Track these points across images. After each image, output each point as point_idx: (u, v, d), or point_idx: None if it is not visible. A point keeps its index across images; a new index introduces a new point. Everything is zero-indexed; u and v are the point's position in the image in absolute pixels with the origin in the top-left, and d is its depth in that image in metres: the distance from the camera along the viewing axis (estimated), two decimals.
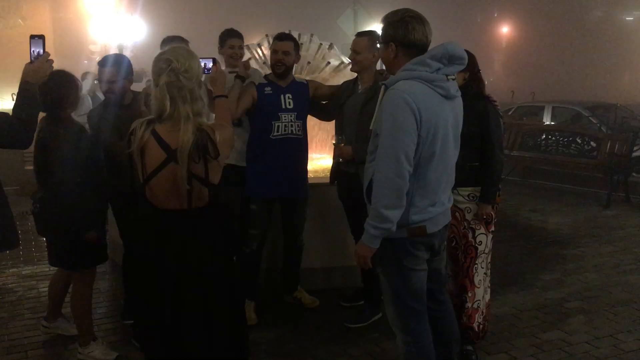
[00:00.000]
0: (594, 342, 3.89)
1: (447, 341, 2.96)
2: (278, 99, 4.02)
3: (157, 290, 2.56)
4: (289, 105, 4.02)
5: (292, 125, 4.03)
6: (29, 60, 2.90)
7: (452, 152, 2.71)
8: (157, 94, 2.46)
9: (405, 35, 2.56)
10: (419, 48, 2.58)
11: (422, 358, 2.78)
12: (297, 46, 4.11)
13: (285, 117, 4.01)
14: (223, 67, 4.47)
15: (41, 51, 2.89)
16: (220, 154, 2.48)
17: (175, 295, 2.53)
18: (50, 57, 2.94)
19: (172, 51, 2.51)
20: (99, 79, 3.90)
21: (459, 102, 2.71)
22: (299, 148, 4.14)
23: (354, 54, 3.87)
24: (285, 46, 3.99)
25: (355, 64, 3.90)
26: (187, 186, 2.44)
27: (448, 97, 2.59)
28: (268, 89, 4.04)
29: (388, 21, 2.61)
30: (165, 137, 2.46)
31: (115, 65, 3.74)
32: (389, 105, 2.51)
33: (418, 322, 2.77)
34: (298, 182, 4.17)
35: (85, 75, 9.25)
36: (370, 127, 2.69)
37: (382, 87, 2.63)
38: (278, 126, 4.00)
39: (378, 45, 3.63)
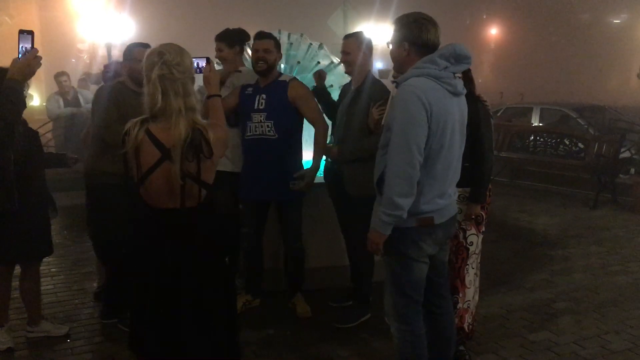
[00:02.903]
0: (581, 342, 3.91)
1: (448, 339, 3.03)
2: (254, 99, 3.99)
3: (153, 289, 2.54)
4: (261, 105, 3.96)
5: (262, 126, 3.95)
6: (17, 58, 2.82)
7: (458, 147, 2.82)
8: (149, 88, 2.42)
9: (419, 35, 2.72)
10: (429, 48, 2.73)
11: (416, 347, 2.87)
12: (277, 44, 4.07)
13: (255, 117, 3.96)
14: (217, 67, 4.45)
15: (29, 47, 2.79)
16: (214, 153, 2.46)
17: (170, 294, 2.51)
18: (38, 54, 2.84)
19: (164, 45, 2.49)
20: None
21: (464, 100, 2.84)
22: (273, 150, 3.95)
23: (345, 55, 3.93)
24: (266, 44, 3.97)
25: (347, 65, 3.95)
26: (181, 181, 2.42)
27: (455, 93, 2.73)
28: (249, 90, 4.04)
29: (402, 23, 2.76)
30: (159, 135, 2.43)
31: None
32: (401, 100, 2.64)
33: (414, 311, 2.88)
34: (273, 186, 3.99)
35: (60, 74, 8.79)
36: (382, 123, 2.85)
37: (394, 85, 2.80)
38: (250, 127, 3.99)
39: (364, 46, 3.89)
